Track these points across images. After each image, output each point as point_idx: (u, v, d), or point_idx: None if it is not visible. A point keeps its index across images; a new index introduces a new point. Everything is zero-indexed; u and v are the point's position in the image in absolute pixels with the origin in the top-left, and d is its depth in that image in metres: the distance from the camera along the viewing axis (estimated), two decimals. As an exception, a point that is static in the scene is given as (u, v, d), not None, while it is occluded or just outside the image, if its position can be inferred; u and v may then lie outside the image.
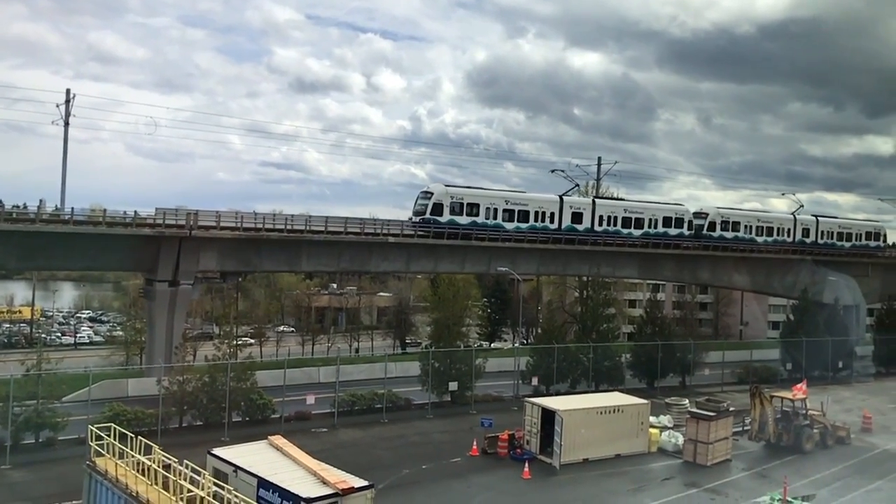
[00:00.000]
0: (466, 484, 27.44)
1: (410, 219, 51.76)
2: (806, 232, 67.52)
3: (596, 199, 58.84)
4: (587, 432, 30.78)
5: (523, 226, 52.94)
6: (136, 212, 43.44)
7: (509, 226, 52.41)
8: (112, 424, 20.72)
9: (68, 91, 49.86)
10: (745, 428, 35.30)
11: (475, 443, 31.90)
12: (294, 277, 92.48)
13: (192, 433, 32.35)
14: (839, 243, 69.64)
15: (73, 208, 42.69)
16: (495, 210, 51.94)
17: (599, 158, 68.67)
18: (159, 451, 18.64)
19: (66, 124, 49.58)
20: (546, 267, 58.81)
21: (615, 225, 57.10)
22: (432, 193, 50.87)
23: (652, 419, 34.70)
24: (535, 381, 43.98)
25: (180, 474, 17.14)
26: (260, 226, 46.29)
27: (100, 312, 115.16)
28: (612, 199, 60.31)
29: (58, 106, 49.75)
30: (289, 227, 47.17)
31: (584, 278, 59.27)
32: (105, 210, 44.14)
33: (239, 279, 55.02)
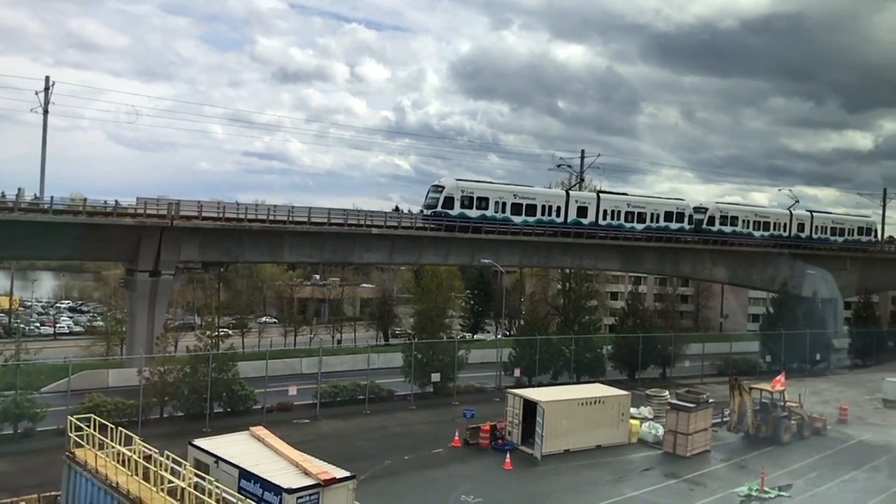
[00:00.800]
0: (448, 474, 27.57)
1: (421, 211, 52.80)
2: (801, 227, 68.73)
3: (600, 194, 59.37)
4: (568, 423, 31.00)
5: (531, 219, 53.88)
6: (116, 201, 43.02)
7: (517, 219, 53.28)
8: (92, 415, 20.57)
9: (48, 78, 49.32)
10: (725, 419, 35.66)
11: (457, 434, 32.03)
12: (277, 268, 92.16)
13: (174, 424, 32.24)
14: (832, 238, 70.85)
15: (52, 197, 42.30)
16: (504, 204, 52.70)
17: (583, 151, 69.09)
18: (140, 441, 18.57)
19: (46, 112, 49.03)
20: (529, 259, 59.02)
21: (618, 219, 58.08)
22: (443, 187, 51.38)
23: (632, 410, 34.96)
24: (517, 372, 44.20)
25: (161, 465, 17.08)
26: (242, 216, 46.02)
27: (80, 302, 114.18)
28: (616, 193, 61.17)
29: (37, 93, 49.19)
30: (271, 217, 46.96)
31: (567, 270, 59.55)
32: (85, 199, 43.68)
33: (221, 269, 54.74)
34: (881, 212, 78.72)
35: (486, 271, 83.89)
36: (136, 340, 43.44)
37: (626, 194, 61.94)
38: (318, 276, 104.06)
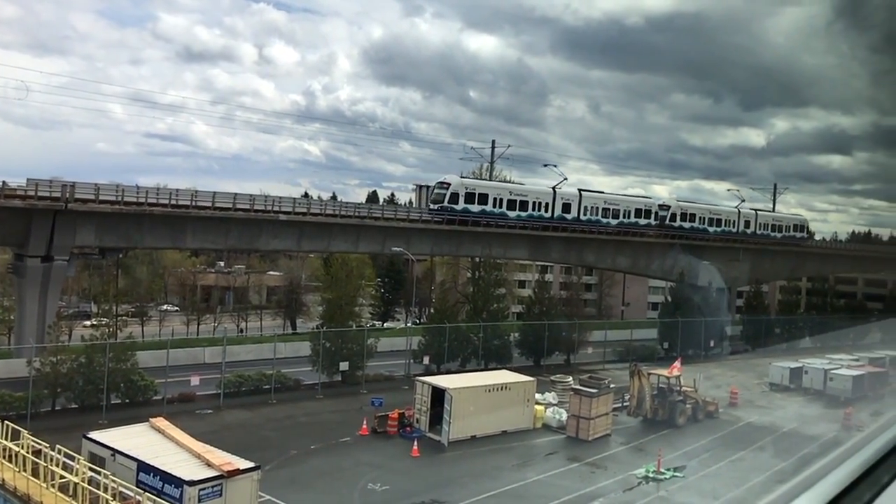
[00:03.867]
0: (355, 463, 27.52)
1: (428, 206, 55.72)
2: (747, 224, 73.58)
3: (582, 192, 62.84)
4: (475, 410, 31.44)
5: (523, 214, 57.54)
6: (3, 182, 40.56)
7: (512, 214, 56.94)
8: (-25, 409, 19.42)
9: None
10: (625, 404, 37.01)
11: (365, 422, 31.97)
12: (179, 254, 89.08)
13: (67, 417, 30.82)
14: (773, 234, 75.97)
15: (-69, 176, 39.43)
16: (501, 200, 56.38)
17: (493, 142, 69.61)
18: (28, 435, 17.66)
19: (-76, 85, 45.59)
20: (440, 247, 59.39)
21: (597, 215, 62.19)
22: (449, 184, 54.87)
23: (538, 396, 35.80)
24: (426, 360, 44.45)
25: (52, 460, 16.31)
26: (142, 200, 44.24)
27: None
28: (595, 192, 65.10)
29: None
30: (173, 202, 45.34)
31: (477, 259, 60.32)
32: (-31, 179, 40.97)
33: (119, 255, 52.61)
34: (771, 205, 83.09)
35: (397, 259, 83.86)
36: (25, 329, 41.11)
37: (603, 192, 65.88)
38: (222, 263, 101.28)
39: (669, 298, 63.51)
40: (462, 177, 57.35)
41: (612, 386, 35.51)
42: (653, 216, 65.99)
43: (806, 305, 79.17)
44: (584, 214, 61.06)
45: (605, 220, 62.60)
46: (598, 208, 62.09)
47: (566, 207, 59.97)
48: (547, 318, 49.64)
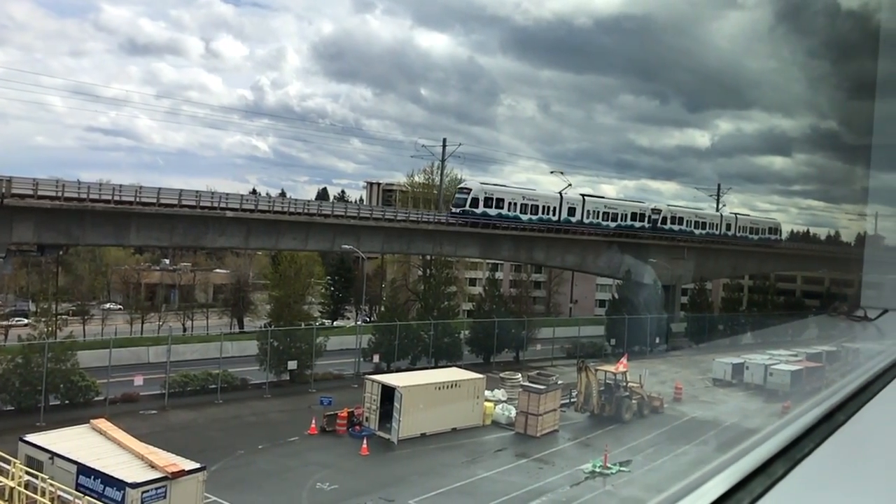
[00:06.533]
0: (303, 462, 27.28)
1: (450, 209, 59.14)
2: (728, 226, 76.97)
3: (585, 197, 66.07)
4: (425, 407, 31.47)
5: (534, 217, 61.06)
6: (-67, 175, 38.97)
7: (524, 217, 60.28)
8: None
9: None
10: (572, 400, 37.49)
11: (314, 421, 31.71)
12: (123, 252, 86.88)
13: (3, 419, 29.75)
14: (751, 236, 79.51)
15: None
16: (515, 204, 59.93)
17: (444, 140, 69.72)
18: (-39, 439, 17.03)
19: None
20: (390, 245, 59.16)
21: (598, 218, 65.82)
22: (470, 189, 58.67)
23: (487, 393, 36.01)
24: (376, 358, 44.29)
25: (-14, 464, 15.77)
26: (84, 196, 42.98)
27: None
28: (596, 197, 68.74)
29: None
30: (116, 197, 44.16)
31: (428, 257, 60.42)
32: None
33: (59, 252, 51.04)
34: (715, 204, 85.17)
35: (347, 257, 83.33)
36: (-42, 329, 39.69)
37: (603, 197, 69.89)
38: (167, 261, 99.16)
39: (616, 296, 64.79)
40: (482, 184, 60.78)
41: (559, 382, 35.93)
42: (646, 219, 69.62)
43: (748, 303, 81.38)
44: (587, 218, 64.97)
45: (604, 223, 66.33)
46: (598, 212, 65.98)
47: (571, 211, 63.88)
48: (497, 316, 49.93)
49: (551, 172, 73.63)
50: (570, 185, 65.68)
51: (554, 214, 62.71)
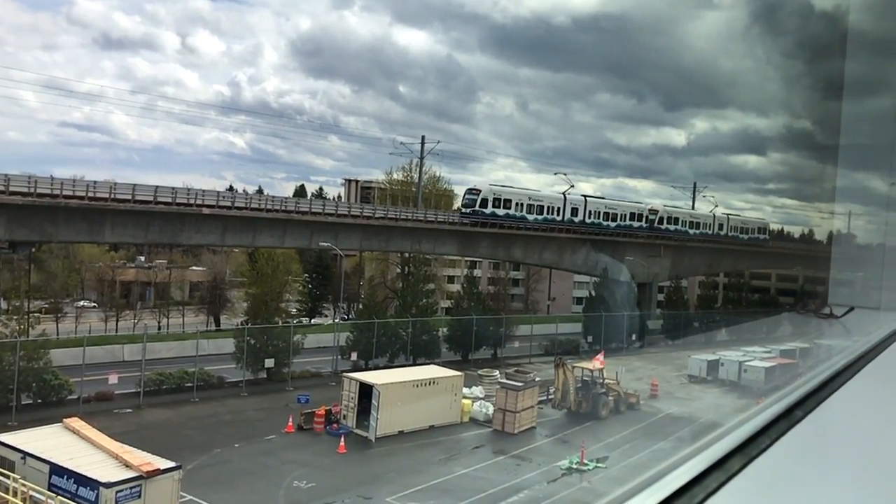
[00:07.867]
0: (280, 461, 27.18)
1: (461, 210, 61.04)
2: (721, 226, 78.61)
3: (587, 198, 67.86)
4: (403, 405, 31.48)
5: (539, 217, 62.94)
6: None
7: (530, 217, 62.11)
8: None
9: None
10: (550, 397, 37.67)
11: (291, 419, 31.61)
12: (97, 249, 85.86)
13: (-27, 419, 29.37)
14: (742, 235, 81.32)
15: None
16: (522, 205, 61.77)
17: (423, 137, 69.60)
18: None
19: None
20: (369, 242, 59.03)
21: (599, 218, 67.54)
22: (480, 191, 60.46)
23: (465, 390, 36.08)
24: (354, 356, 44.21)
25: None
26: (57, 192, 42.43)
27: None
28: (597, 198, 70.37)
29: None
30: (91, 194, 43.64)
31: (406, 254, 60.44)
32: None
33: (32, 249, 50.35)
34: (691, 202, 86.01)
35: (325, 254, 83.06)
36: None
37: (603, 198, 71.18)
38: (143, 258, 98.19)
39: (593, 293, 65.24)
40: (490, 185, 62.62)
41: (537, 379, 36.09)
42: (644, 220, 71.09)
43: (723, 300, 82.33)
44: (589, 218, 66.52)
45: (605, 224, 67.92)
46: (599, 213, 67.57)
47: (574, 211, 65.66)
48: (475, 314, 50.06)
49: (555, 174, 75.33)
50: (572, 185, 67.39)
51: (558, 214, 64.42)
